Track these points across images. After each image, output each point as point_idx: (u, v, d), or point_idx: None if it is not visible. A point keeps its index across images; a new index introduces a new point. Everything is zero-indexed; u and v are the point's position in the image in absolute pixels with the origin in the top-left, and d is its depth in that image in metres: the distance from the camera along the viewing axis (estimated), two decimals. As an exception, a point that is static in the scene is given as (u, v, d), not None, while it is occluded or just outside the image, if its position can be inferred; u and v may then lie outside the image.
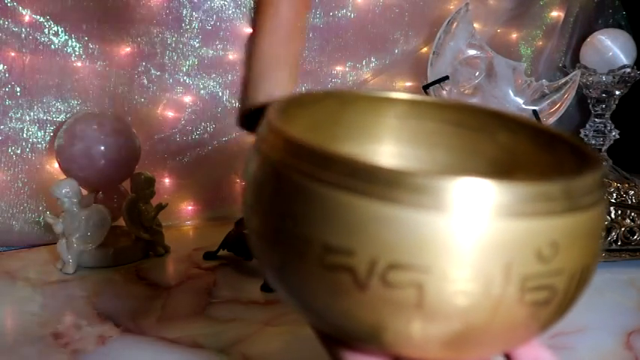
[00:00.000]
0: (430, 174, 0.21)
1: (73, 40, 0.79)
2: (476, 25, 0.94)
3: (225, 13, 0.85)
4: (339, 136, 0.33)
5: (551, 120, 0.89)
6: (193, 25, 0.84)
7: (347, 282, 0.21)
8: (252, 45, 0.35)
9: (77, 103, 0.81)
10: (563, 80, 0.90)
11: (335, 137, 0.33)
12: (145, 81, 0.84)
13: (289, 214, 0.22)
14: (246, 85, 0.36)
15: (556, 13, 1.11)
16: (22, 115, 0.78)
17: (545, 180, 0.22)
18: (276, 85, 0.34)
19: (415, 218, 0.21)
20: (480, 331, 0.22)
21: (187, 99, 0.87)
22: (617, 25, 1.18)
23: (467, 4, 0.89)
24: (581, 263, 0.23)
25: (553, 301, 0.23)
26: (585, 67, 1.05)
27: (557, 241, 0.22)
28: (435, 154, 0.34)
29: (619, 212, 0.89)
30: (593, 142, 1.09)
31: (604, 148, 1.10)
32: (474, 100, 0.88)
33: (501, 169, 0.31)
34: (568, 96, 0.89)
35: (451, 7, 0.98)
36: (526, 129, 0.31)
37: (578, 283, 0.23)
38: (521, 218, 0.21)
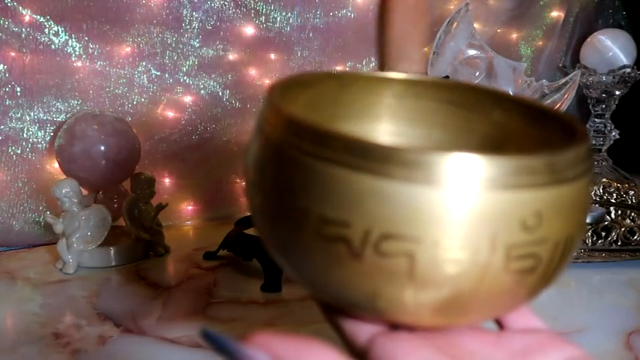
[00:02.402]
0: (421, 150, 0.22)
1: (74, 40, 0.79)
2: (476, 25, 0.94)
3: (225, 13, 0.85)
4: (338, 116, 0.34)
5: (551, 120, 0.89)
6: (193, 25, 0.84)
7: (342, 252, 0.23)
8: (384, 26, 0.35)
9: (77, 103, 0.81)
10: (563, 80, 0.90)
11: (334, 116, 0.34)
12: (145, 81, 0.84)
13: (289, 189, 0.24)
14: (382, 67, 0.36)
15: (556, 13, 1.11)
16: (22, 115, 0.78)
17: (531, 154, 0.23)
18: (411, 64, 0.35)
19: (407, 192, 0.22)
20: (469, 297, 0.23)
21: (187, 99, 0.87)
22: (618, 25, 1.18)
23: (467, 4, 0.89)
24: (565, 233, 0.24)
25: (538, 269, 0.24)
26: (585, 67, 1.05)
27: (541, 211, 0.23)
28: (431, 132, 0.35)
29: (619, 212, 0.89)
30: (593, 142, 1.09)
31: (604, 148, 1.10)
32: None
33: (494, 145, 0.33)
34: (568, 96, 0.89)
35: (451, 7, 0.98)
36: (518, 106, 0.32)
37: (563, 251, 0.24)
38: (507, 190, 0.22)
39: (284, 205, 0.24)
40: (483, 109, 0.33)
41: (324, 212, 0.23)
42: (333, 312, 0.27)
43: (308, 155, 0.23)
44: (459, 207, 0.22)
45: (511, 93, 0.90)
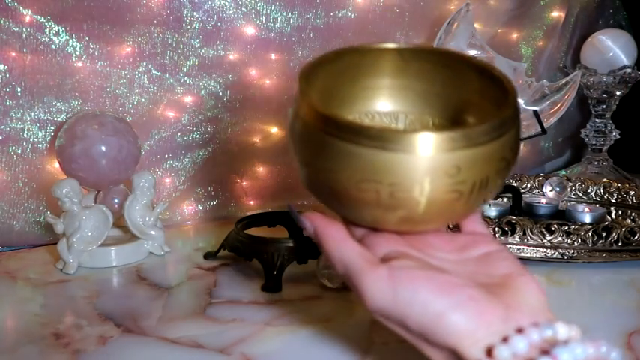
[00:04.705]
0: (380, 128, 0.37)
1: (74, 40, 0.79)
2: (476, 26, 0.94)
3: (225, 13, 0.85)
4: (359, 75, 0.47)
5: (552, 120, 0.89)
6: (194, 25, 0.84)
7: (338, 187, 0.38)
8: None
9: (78, 103, 0.81)
10: (563, 80, 0.90)
11: (359, 75, 0.47)
12: (146, 81, 0.84)
13: (307, 147, 0.39)
14: None
15: (556, 14, 1.11)
16: (22, 115, 0.78)
17: (452, 129, 0.37)
18: None
19: (370, 154, 0.36)
20: (420, 216, 0.38)
21: (187, 99, 0.87)
22: (618, 26, 1.18)
23: (467, 4, 0.89)
24: (480, 176, 0.37)
25: (462, 198, 0.37)
26: (586, 68, 1.05)
27: (459, 165, 0.36)
28: (433, 87, 0.47)
29: (619, 212, 0.89)
30: (594, 142, 1.09)
31: (604, 148, 1.10)
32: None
33: (470, 95, 0.46)
34: (568, 96, 0.89)
35: (451, 8, 0.98)
36: (484, 70, 0.44)
37: (480, 186, 0.37)
38: (436, 152, 0.35)
39: (309, 157, 0.39)
40: (465, 70, 0.45)
41: (325, 165, 0.37)
42: (348, 224, 0.42)
43: (315, 129, 0.37)
44: (405, 163, 0.35)
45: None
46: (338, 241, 0.39)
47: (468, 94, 0.46)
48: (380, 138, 0.35)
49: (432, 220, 0.39)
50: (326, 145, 0.37)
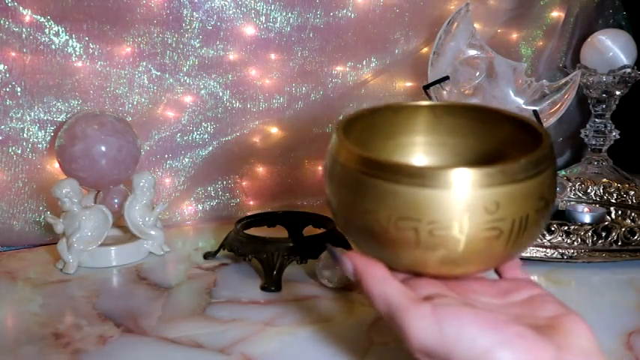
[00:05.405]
0: (416, 166, 0.38)
1: (74, 40, 0.79)
2: (476, 26, 0.94)
3: (225, 13, 0.85)
4: (393, 132, 0.49)
5: (552, 120, 0.89)
6: (194, 25, 0.84)
7: (376, 228, 0.37)
8: None
9: (78, 103, 0.81)
10: (563, 80, 0.90)
11: (392, 133, 0.49)
12: (146, 81, 0.84)
13: (346, 190, 0.39)
14: None
15: (556, 14, 1.11)
16: (22, 115, 0.78)
17: (489, 165, 0.36)
18: None
19: (409, 191, 0.36)
20: (459, 255, 0.37)
21: (187, 99, 0.87)
22: (618, 26, 1.18)
23: (467, 4, 0.89)
24: (520, 213, 0.36)
25: (502, 236, 0.37)
26: (586, 68, 1.05)
27: (498, 201, 0.35)
28: (466, 140, 0.49)
29: (619, 212, 0.89)
30: (594, 142, 1.09)
31: (604, 148, 1.10)
32: (475, 100, 0.88)
33: (503, 146, 0.46)
34: (568, 96, 0.89)
35: (451, 7, 0.98)
36: (516, 121, 0.46)
37: (520, 225, 0.37)
38: (474, 188, 0.35)
39: (345, 200, 0.39)
40: (496, 123, 0.47)
41: (365, 206, 0.37)
42: (388, 267, 0.40)
43: (356, 170, 0.38)
44: (443, 200, 0.35)
45: (511, 93, 0.90)
46: (379, 279, 0.39)
47: (501, 146, 0.46)
48: (418, 175, 0.35)
49: (472, 260, 0.38)
50: (365, 185, 0.37)
